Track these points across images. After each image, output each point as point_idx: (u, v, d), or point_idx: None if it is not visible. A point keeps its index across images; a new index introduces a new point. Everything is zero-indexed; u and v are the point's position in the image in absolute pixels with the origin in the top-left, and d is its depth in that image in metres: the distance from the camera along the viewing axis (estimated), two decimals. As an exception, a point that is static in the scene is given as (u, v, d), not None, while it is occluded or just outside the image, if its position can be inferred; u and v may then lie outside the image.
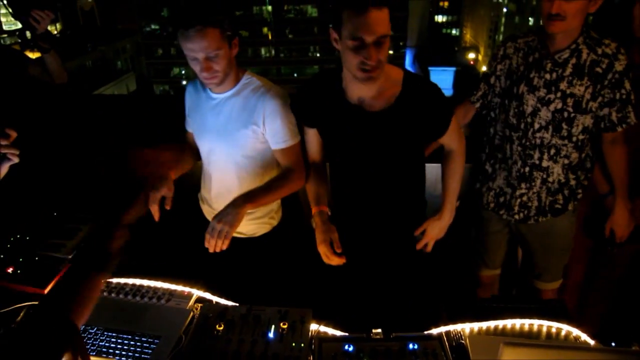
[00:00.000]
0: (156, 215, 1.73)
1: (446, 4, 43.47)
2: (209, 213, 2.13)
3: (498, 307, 1.60)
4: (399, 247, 1.93)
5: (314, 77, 1.82)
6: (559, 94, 1.87)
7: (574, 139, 1.93)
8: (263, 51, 42.99)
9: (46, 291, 1.64)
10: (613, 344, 1.47)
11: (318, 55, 43.32)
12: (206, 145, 1.97)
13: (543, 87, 1.89)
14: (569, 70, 1.85)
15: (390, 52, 39.92)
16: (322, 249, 1.69)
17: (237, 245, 2.09)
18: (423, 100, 1.66)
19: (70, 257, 1.80)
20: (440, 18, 43.82)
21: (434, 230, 1.88)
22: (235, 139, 1.87)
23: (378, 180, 1.82)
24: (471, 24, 52.44)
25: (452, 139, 1.80)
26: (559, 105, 1.88)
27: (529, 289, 2.30)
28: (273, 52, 43.02)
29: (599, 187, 2.12)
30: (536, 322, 1.54)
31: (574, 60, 1.84)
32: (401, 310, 1.87)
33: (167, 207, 1.94)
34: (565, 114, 1.88)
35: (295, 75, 43.32)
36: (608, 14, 2.00)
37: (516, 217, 2.12)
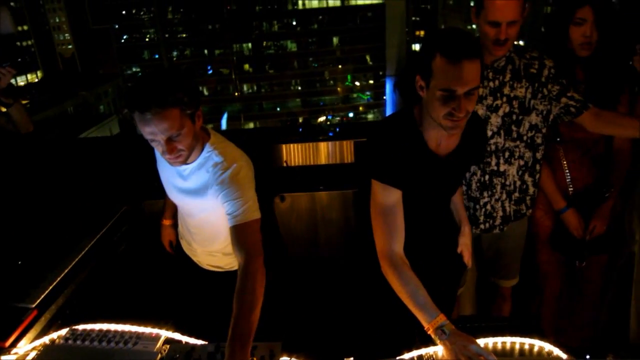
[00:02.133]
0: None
1: (422, 33, 44.59)
2: (187, 248, 2.11)
3: (471, 327, 1.59)
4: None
5: (385, 131, 1.67)
6: (504, 99, 1.99)
7: (524, 137, 2.04)
8: (245, 87, 43.43)
9: (7, 344, 1.59)
10: (588, 357, 1.45)
11: (299, 88, 43.87)
12: (175, 201, 1.96)
13: (489, 94, 1.99)
14: (508, 76, 1.98)
15: (371, 81, 40.30)
16: None
17: (215, 279, 2.07)
18: (478, 134, 1.77)
19: (33, 306, 1.76)
20: (417, 47, 44.95)
21: (468, 242, 1.99)
22: (202, 206, 1.82)
23: (436, 215, 1.86)
24: (447, 50, 53.52)
25: None
26: (507, 109, 1.99)
27: (489, 285, 2.40)
28: (255, 87, 43.49)
29: (554, 204, 2.17)
30: (509, 340, 1.52)
31: (510, 67, 1.98)
32: (374, 335, 1.84)
33: (172, 249, 2.24)
34: (514, 117, 2.00)
35: (278, 109, 43.74)
36: (551, 36, 2.07)
37: (482, 227, 2.16)
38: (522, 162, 2.07)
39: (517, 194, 2.12)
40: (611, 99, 2.06)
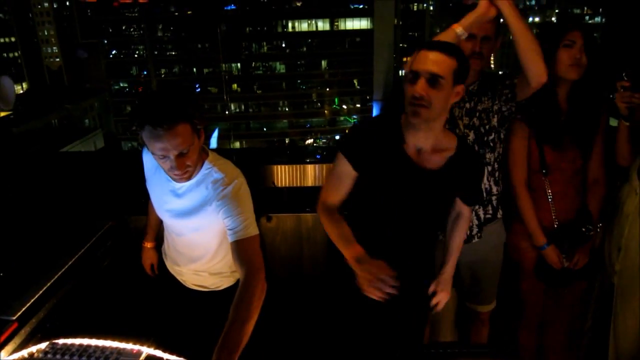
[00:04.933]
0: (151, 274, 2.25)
1: (409, 59, 45.41)
2: (172, 267, 2.09)
3: (451, 353, 1.61)
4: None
5: (371, 121, 1.90)
6: (477, 114, 2.07)
7: (490, 144, 2.12)
8: (232, 106, 43.52)
9: (-14, 356, 1.57)
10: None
11: (287, 109, 44.09)
12: (164, 220, 1.94)
13: (465, 115, 2.07)
14: (482, 97, 2.07)
15: (358, 105, 40.51)
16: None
17: (200, 298, 2.05)
18: (471, 167, 1.82)
19: (14, 318, 1.74)
20: (403, 73, 45.66)
21: (446, 287, 1.92)
22: (195, 225, 1.82)
23: (410, 230, 1.86)
24: (433, 77, 54.40)
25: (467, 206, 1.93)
26: (477, 123, 2.08)
27: (467, 311, 2.41)
28: (242, 107, 43.62)
29: (535, 240, 2.19)
30: (488, 365, 1.55)
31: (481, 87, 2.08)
32: (356, 354, 1.84)
33: (154, 273, 2.26)
34: (482, 129, 2.08)
35: (265, 129, 43.82)
36: None
37: None
38: (489, 169, 2.13)
39: (485, 199, 2.16)
40: (592, 126, 2.13)
